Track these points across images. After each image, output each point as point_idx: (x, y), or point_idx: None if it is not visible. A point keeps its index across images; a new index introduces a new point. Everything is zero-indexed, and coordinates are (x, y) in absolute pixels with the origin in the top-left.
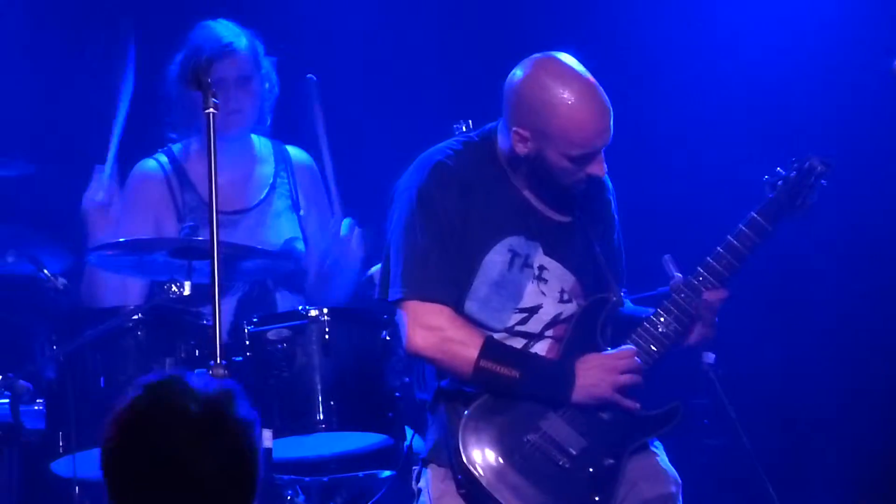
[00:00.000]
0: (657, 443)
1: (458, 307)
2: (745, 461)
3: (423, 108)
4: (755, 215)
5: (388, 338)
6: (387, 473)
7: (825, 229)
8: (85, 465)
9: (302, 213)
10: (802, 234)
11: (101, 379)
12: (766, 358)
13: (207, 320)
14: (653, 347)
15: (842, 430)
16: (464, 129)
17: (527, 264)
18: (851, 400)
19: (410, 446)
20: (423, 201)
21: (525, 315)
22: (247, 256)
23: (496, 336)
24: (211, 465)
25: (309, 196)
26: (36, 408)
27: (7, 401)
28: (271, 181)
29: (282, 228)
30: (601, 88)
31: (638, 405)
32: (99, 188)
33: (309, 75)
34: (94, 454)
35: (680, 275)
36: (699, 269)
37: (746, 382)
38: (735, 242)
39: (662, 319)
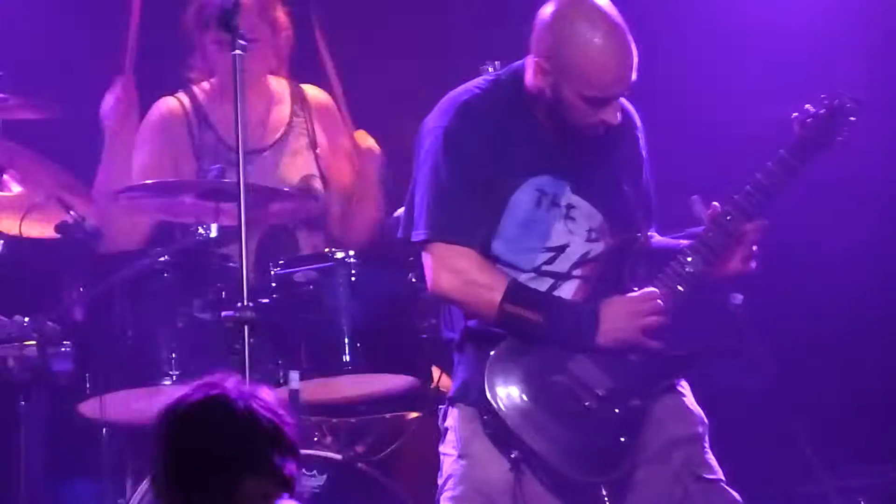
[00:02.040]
0: (684, 383)
1: (485, 248)
2: (775, 401)
3: (450, 47)
4: (783, 152)
5: (414, 280)
6: (414, 414)
7: (856, 167)
8: (112, 406)
9: (319, 150)
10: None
11: (129, 321)
12: (794, 297)
13: (234, 262)
14: (679, 287)
15: (871, 368)
16: (490, 70)
17: (554, 203)
18: (881, 336)
19: (437, 387)
20: (450, 141)
21: (553, 254)
22: (270, 198)
23: (523, 276)
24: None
25: (327, 133)
26: (63, 349)
27: (35, 343)
28: (287, 120)
29: (299, 167)
30: (630, 36)
31: (663, 346)
32: (116, 97)
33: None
34: (121, 396)
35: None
36: (726, 206)
37: (774, 323)
38: (763, 180)
39: (690, 259)
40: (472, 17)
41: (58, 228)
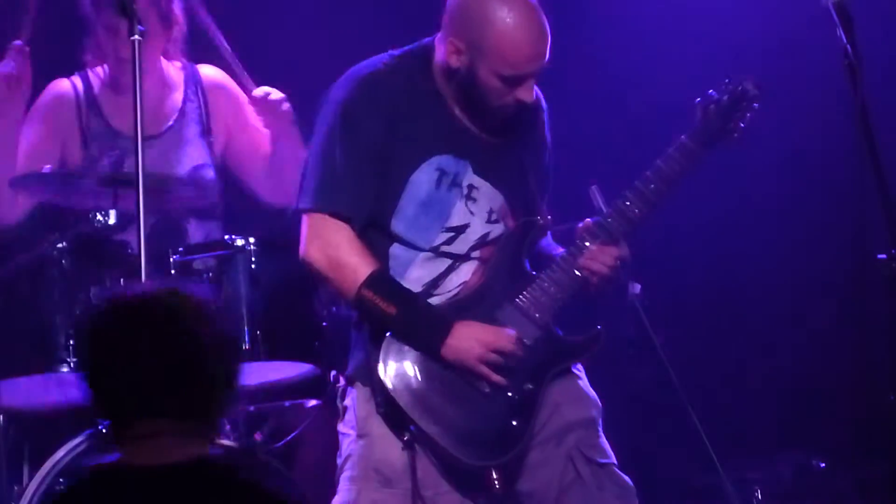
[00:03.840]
0: (579, 366)
1: (383, 226)
2: (671, 392)
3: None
4: (684, 139)
5: None
6: (313, 402)
7: (756, 153)
8: (8, 392)
9: (212, 138)
10: (735, 155)
11: (25, 307)
12: (693, 287)
13: (132, 249)
14: (576, 272)
15: (768, 359)
16: None
17: (455, 183)
18: (778, 329)
19: (337, 376)
20: (347, 116)
21: (452, 234)
22: (160, 186)
23: (422, 256)
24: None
25: (226, 112)
26: None
27: None
28: (180, 107)
29: (190, 156)
30: (543, 15)
31: (505, 382)
32: (11, 59)
33: None
34: (18, 383)
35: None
36: (626, 193)
37: (672, 313)
38: (663, 166)
39: (587, 244)
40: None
41: None
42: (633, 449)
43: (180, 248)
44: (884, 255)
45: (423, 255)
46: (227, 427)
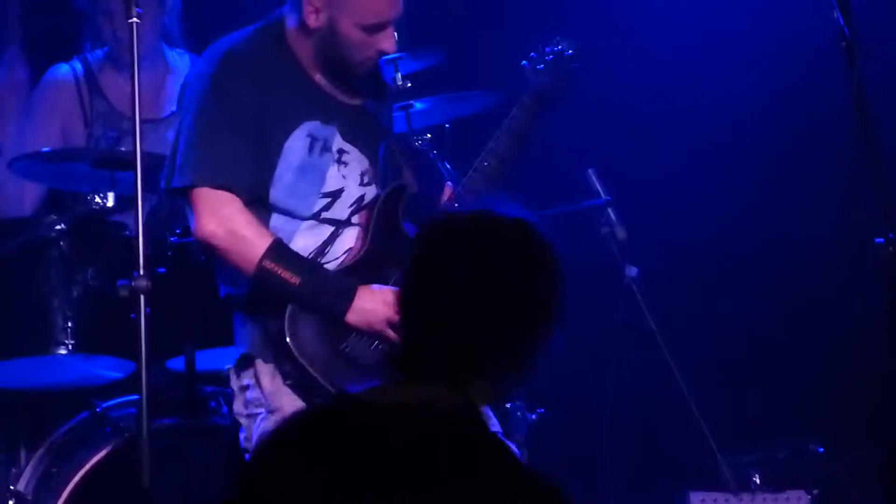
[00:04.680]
0: None
1: (262, 197)
2: (667, 375)
3: None
4: (525, 97)
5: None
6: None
7: (754, 139)
8: (6, 374)
9: None
10: (734, 141)
11: (24, 288)
12: (689, 271)
13: (130, 231)
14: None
15: (765, 344)
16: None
17: (326, 148)
18: (775, 313)
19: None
20: (215, 89)
21: (329, 200)
22: (160, 166)
23: (304, 224)
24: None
25: None
26: None
27: None
28: None
29: None
30: None
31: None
32: (6, 64)
33: None
34: (17, 364)
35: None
36: (482, 153)
37: (668, 296)
38: (510, 124)
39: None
40: None
41: None
42: (629, 433)
43: (177, 231)
44: (881, 239)
45: (305, 223)
46: (225, 409)
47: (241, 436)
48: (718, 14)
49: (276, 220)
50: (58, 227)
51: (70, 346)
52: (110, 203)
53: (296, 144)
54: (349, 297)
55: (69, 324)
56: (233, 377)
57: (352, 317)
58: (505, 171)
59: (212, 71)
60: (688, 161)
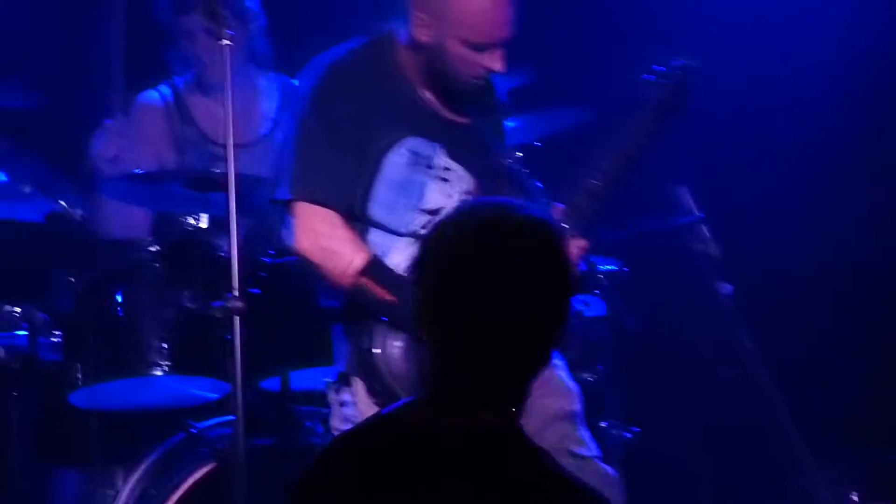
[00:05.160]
0: (559, 357)
1: (360, 212)
2: (760, 393)
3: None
4: (641, 114)
5: None
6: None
7: (847, 159)
8: (103, 396)
9: None
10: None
11: (119, 310)
12: (785, 289)
13: (224, 252)
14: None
15: (859, 359)
16: None
17: (429, 165)
18: (868, 330)
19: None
20: (318, 103)
21: (429, 218)
22: (256, 188)
23: (402, 242)
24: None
25: None
26: (53, 339)
27: (25, 332)
28: (274, 115)
29: None
30: None
31: None
32: (107, 141)
33: None
34: (113, 386)
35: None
36: (591, 171)
37: (764, 314)
38: (622, 143)
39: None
40: None
41: (48, 218)
42: (722, 450)
43: (271, 252)
44: None
45: (402, 240)
46: (321, 429)
47: None
48: (813, 29)
49: (374, 234)
50: (152, 248)
51: (165, 368)
52: (204, 224)
53: (396, 160)
54: None
55: (164, 345)
56: (331, 392)
57: None
58: (613, 191)
59: (314, 84)
60: (782, 178)
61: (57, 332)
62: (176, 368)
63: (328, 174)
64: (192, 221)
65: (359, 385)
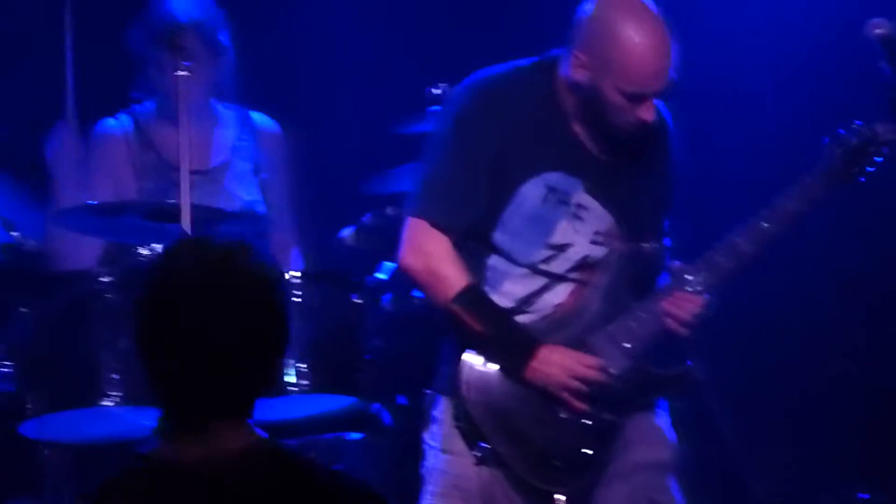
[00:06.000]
0: (663, 403)
1: (484, 237)
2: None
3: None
4: (807, 178)
5: (359, 300)
6: (355, 436)
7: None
8: (54, 426)
9: (262, 179)
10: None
11: (71, 342)
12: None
13: None
14: (648, 322)
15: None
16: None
17: (563, 201)
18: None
19: (379, 409)
20: (461, 125)
21: (553, 253)
22: (215, 219)
23: (518, 272)
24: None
25: (273, 161)
26: (4, 370)
27: None
28: (232, 144)
29: (241, 191)
30: (669, 34)
31: (584, 409)
32: (61, 140)
33: None
34: (64, 416)
35: None
36: (738, 228)
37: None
38: (781, 204)
39: (691, 277)
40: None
41: (0, 248)
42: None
43: None
44: None
45: (519, 270)
46: None
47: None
48: (811, 29)
49: (494, 260)
50: (105, 279)
51: (117, 399)
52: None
53: (531, 192)
54: (529, 355)
55: (115, 376)
56: (426, 404)
57: (528, 374)
58: (758, 255)
59: (462, 103)
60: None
61: (8, 363)
62: (128, 399)
63: (454, 198)
64: (145, 252)
65: (445, 404)
